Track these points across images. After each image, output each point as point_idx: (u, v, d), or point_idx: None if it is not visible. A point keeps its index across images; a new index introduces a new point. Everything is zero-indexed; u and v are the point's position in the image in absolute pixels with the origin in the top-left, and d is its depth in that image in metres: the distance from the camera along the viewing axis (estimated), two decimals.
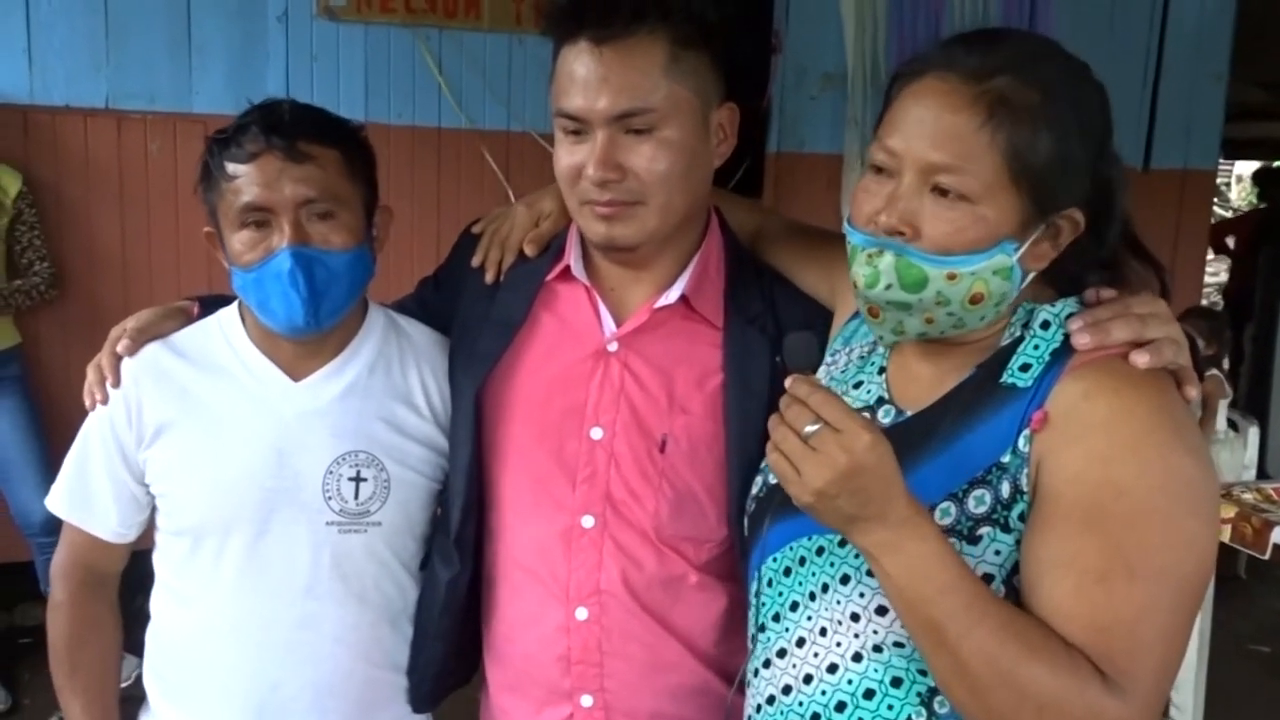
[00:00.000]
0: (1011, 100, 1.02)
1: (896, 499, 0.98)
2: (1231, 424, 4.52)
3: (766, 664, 1.21)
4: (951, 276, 1.04)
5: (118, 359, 1.45)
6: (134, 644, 1.54)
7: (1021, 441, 1.03)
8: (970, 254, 1.04)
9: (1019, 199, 1.03)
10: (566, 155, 1.32)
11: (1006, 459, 1.04)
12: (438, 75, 4.06)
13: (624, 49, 1.26)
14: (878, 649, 1.10)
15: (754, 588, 1.24)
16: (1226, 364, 4.98)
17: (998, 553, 1.04)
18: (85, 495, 1.48)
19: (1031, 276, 1.10)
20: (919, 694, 1.07)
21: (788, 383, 1.02)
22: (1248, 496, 2.87)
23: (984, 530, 1.04)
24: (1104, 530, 0.97)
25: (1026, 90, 1.02)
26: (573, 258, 1.42)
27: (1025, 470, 1.03)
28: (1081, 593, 0.97)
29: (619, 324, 1.40)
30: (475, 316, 1.48)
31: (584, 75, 1.27)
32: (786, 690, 1.17)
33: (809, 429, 0.98)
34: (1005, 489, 1.04)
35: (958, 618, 0.97)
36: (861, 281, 1.08)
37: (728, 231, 1.46)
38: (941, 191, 1.04)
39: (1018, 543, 1.03)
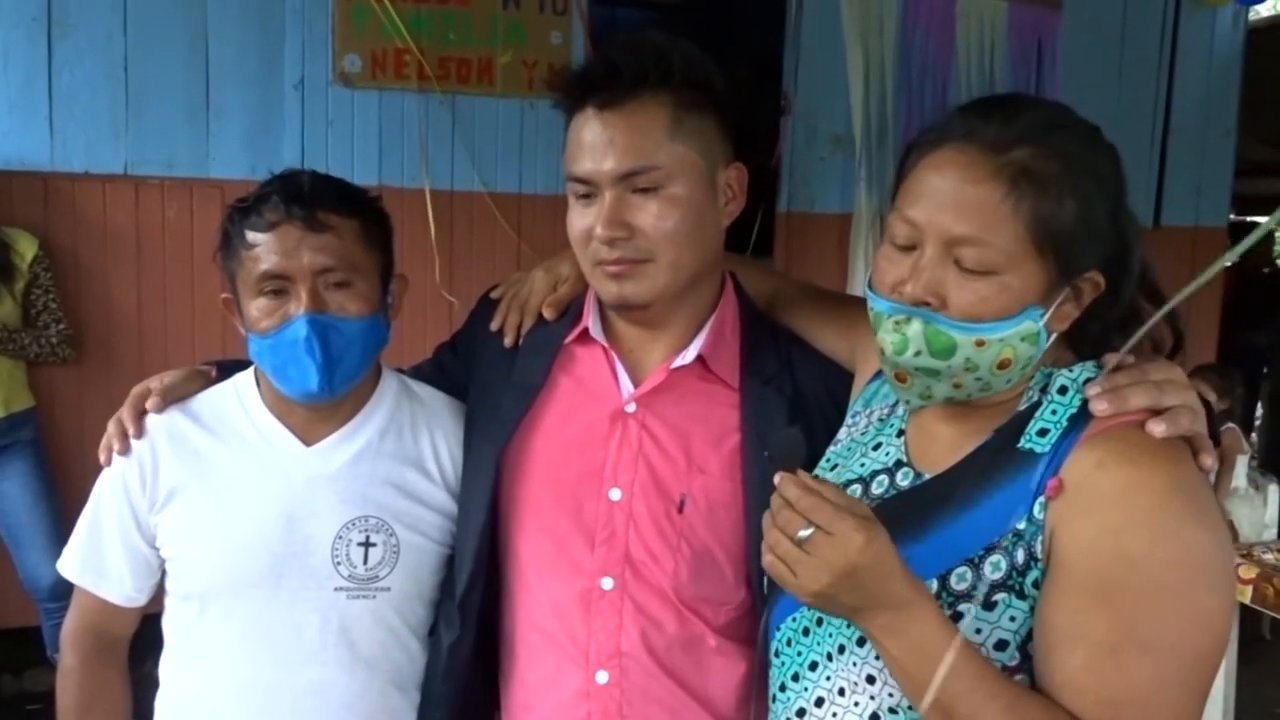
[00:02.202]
0: (1034, 170, 1.02)
1: (895, 585, 0.98)
2: (1250, 480, 4.46)
3: None
4: (980, 343, 1.04)
5: (142, 415, 1.46)
6: (144, 711, 1.53)
7: (1037, 508, 1.03)
8: (998, 321, 1.04)
9: (1043, 266, 1.04)
10: (578, 219, 1.34)
11: (1022, 525, 1.04)
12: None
13: (627, 112, 1.30)
14: (893, 711, 1.09)
15: (774, 647, 1.24)
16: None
17: (1013, 619, 1.04)
18: (97, 559, 1.47)
19: (1054, 338, 1.10)
20: None
21: (776, 480, 1.02)
22: (1269, 557, 2.82)
23: (999, 596, 1.04)
24: (1116, 603, 0.97)
25: (1048, 160, 1.03)
26: (591, 320, 1.44)
27: (1040, 537, 1.02)
28: (1092, 666, 0.97)
29: (636, 385, 1.40)
30: (495, 380, 1.48)
31: (591, 140, 1.31)
32: None
33: (802, 533, 0.98)
34: (1020, 555, 1.03)
35: (963, 700, 0.97)
36: (890, 348, 1.08)
37: (743, 295, 1.48)
38: (968, 261, 1.04)
39: (1033, 609, 1.03)
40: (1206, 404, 1.09)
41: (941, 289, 1.04)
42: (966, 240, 1.03)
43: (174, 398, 1.48)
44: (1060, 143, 1.05)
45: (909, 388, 1.11)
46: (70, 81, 3.82)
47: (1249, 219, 8.63)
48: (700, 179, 1.33)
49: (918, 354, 1.06)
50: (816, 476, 1.02)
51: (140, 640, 1.55)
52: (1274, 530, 4.42)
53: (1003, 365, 1.06)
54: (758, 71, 4.73)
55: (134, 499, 1.45)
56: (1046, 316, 1.06)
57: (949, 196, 1.04)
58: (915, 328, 1.06)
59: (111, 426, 1.46)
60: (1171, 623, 0.96)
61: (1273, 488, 4.50)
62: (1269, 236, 8.00)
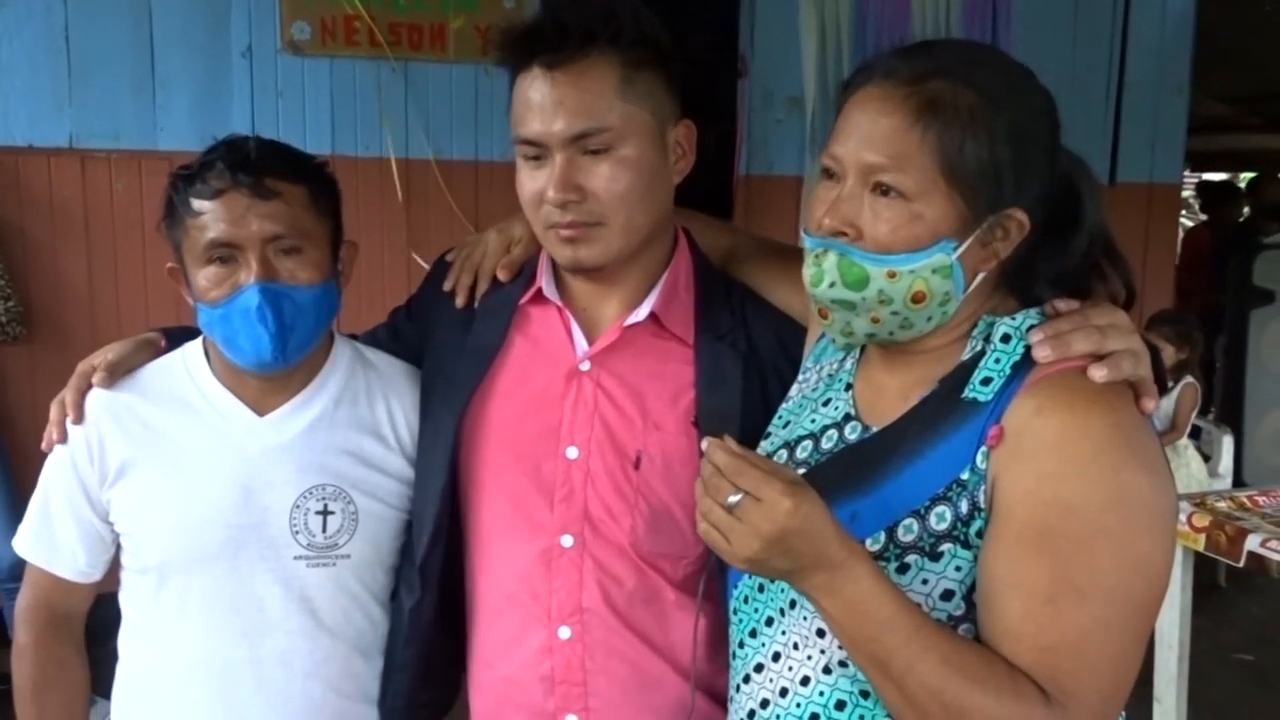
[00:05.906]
0: (943, 101, 1.04)
1: (828, 545, 0.98)
2: (1194, 431, 4.55)
3: (746, 679, 1.22)
4: (892, 275, 1.06)
5: (84, 394, 1.43)
6: (105, 687, 1.52)
7: (979, 458, 1.04)
8: (909, 253, 1.05)
9: (954, 198, 1.05)
10: (529, 181, 1.33)
11: (966, 475, 1.05)
12: None
13: (576, 72, 1.28)
14: (843, 664, 1.11)
15: (732, 605, 1.25)
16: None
17: (958, 569, 1.05)
18: (49, 535, 1.46)
19: (981, 279, 1.10)
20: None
21: (704, 446, 1.02)
22: (1221, 505, 2.87)
23: (945, 547, 1.05)
24: (1053, 551, 0.98)
25: (959, 93, 1.05)
26: (544, 280, 1.43)
27: (983, 487, 1.04)
28: (1029, 613, 0.98)
29: (591, 344, 1.40)
30: (451, 344, 1.48)
31: (539, 100, 1.29)
32: (764, 704, 1.18)
33: (731, 499, 0.98)
34: (964, 506, 1.04)
35: (900, 653, 0.97)
36: (808, 281, 1.11)
37: (697, 251, 1.48)
38: (881, 190, 1.06)
39: (977, 559, 1.04)
40: (1154, 350, 1.09)
41: (857, 220, 1.07)
42: (877, 168, 1.05)
43: (124, 371, 1.46)
44: (977, 78, 1.06)
45: (831, 324, 1.13)
46: (9, 53, 3.73)
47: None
48: (651, 139, 1.32)
49: (832, 285, 1.08)
50: (745, 443, 1.03)
51: (107, 616, 1.53)
52: (1229, 481, 4.52)
53: (917, 299, 1.07)
54: (714, 35, 4.70)
55: (84, 475, 1.43)
56: (960, 250, 1.06)
57: (865, 129, 1.07)
58: (830, 260, 1.08)
59: (54, 410, 1.44)
60: (1109, 568, 0.97)
61: (1227, 439, 4.60)
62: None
